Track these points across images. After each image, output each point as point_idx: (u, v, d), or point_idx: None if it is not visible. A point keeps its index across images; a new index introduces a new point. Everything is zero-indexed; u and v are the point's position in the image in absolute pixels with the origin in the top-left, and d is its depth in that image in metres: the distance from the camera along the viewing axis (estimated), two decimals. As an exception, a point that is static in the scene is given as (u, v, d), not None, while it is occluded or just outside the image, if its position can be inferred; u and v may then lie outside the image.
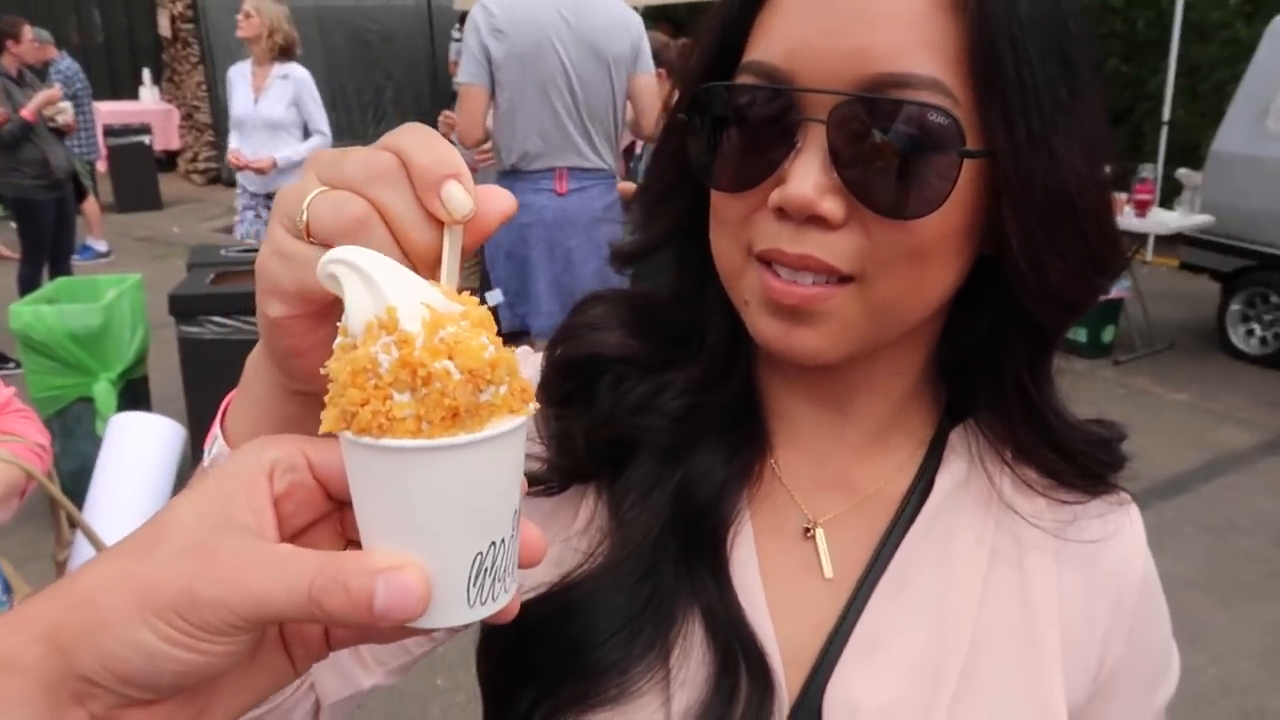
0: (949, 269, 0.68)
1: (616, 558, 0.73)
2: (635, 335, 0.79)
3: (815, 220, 0.64)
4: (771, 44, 0.66)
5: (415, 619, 0.44)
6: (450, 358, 0.43)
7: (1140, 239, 6.89)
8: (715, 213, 0.72)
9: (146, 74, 13.56)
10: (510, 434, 0.45)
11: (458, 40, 6.01)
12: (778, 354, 0.70)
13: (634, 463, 0.76)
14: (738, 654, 0.71)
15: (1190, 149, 8.26)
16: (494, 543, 0.46)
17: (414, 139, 0.48)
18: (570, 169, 4.04)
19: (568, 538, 0.77)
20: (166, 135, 13.22)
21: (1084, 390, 0.80)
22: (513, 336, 4.14)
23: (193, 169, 13.76)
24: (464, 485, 0.44)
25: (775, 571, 0.76)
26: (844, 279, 0.66)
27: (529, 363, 0.84)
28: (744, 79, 0.68)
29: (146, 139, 11.57)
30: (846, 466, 0.79)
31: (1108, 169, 0.69)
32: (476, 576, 0.46)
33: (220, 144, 13.35)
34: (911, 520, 0.77)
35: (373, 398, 0.43)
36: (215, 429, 0.63)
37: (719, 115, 0.69)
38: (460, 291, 0.48)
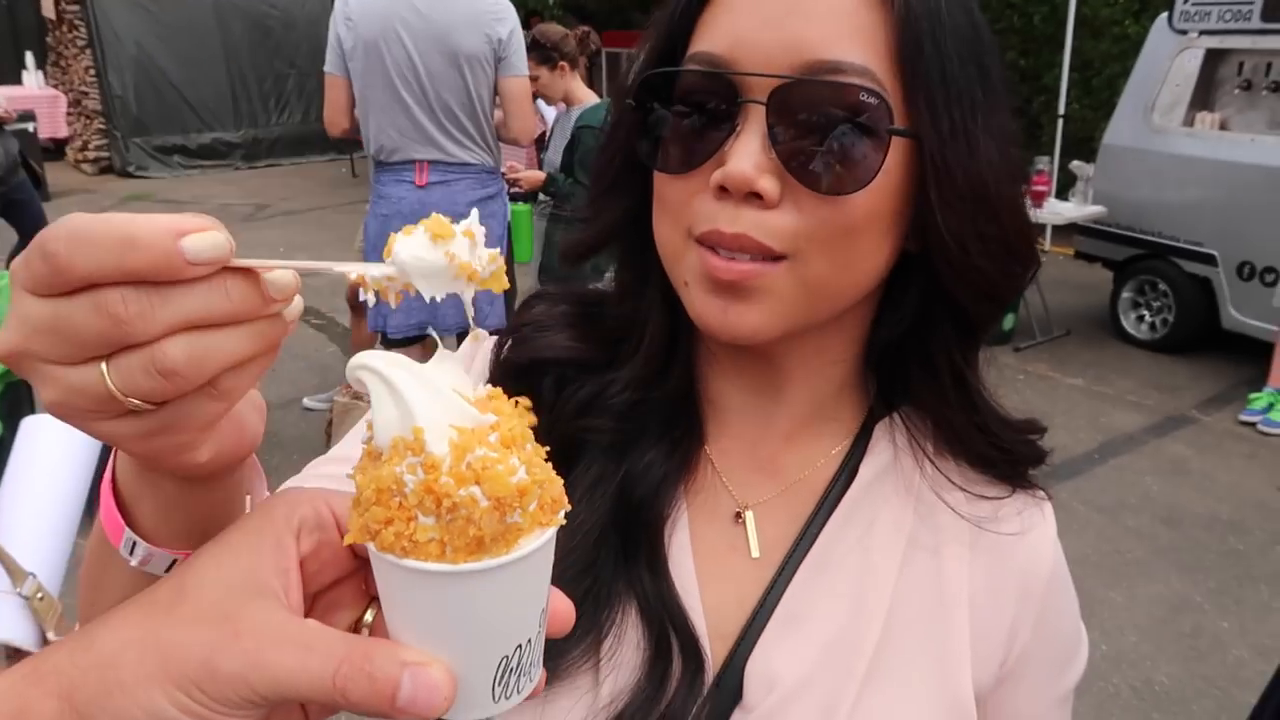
0: (877, 250, 0.73)
1: (560, 555, 0.74)
2: (579, 335, 0.82)
3: (752, 198, 0.68)
4: (715, 36, 0.71)
5: (438, 715, 0.44)
6: (478, 483, 0.42)
7: (1038, 229, 7.12)
8: (659, 197, 0.75)
9: (30, 58, 12.87)
10: (538, 552, 0.45)
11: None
12: (715, 332, 0.73)
13: (580, 462, 0.79)
14: (670, 639, 0.75)
15: (1084, 141, 8.57)
16: (519, 645, 0.46)
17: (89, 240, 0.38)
18: (431, 162, 3.97)
19: None
20: (53, 123, 12.60)
21: (985, 377, 0.83)
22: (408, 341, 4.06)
23: (83, 158, 13.17)
24: (489, 604, 0.44)
25: (706, 552, 0.80)
26: (778, 258, 0.70)
27: (480, 351, 0.87)
28: (690, 67, 0.72)
29: (31, 126, 11.01)
30: (776, 453, 0.84)
31: (1018, 167, 0.75)
32: (502, 676, 0.46)
33: (112, 132, 12.83)
34: (834, 505, 0.82)
35: (396, 518, 0.43)
36: (124, 529, 0.52)
37: (665, 101, 0.73)
38: None
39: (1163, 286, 6.53)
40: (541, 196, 4.69)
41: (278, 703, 0.42)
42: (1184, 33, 6.42)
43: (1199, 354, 6.45)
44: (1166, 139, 6.38)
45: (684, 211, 0.72)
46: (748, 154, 0.68)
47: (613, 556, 0.77)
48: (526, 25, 4.37)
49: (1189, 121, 6.46)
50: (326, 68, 3.97)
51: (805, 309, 0.72)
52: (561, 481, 0.47)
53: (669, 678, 0.74)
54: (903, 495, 0.82)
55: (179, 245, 0.38)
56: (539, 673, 0.49)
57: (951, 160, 0.69)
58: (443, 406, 0.44)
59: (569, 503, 0.71)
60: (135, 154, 13.01)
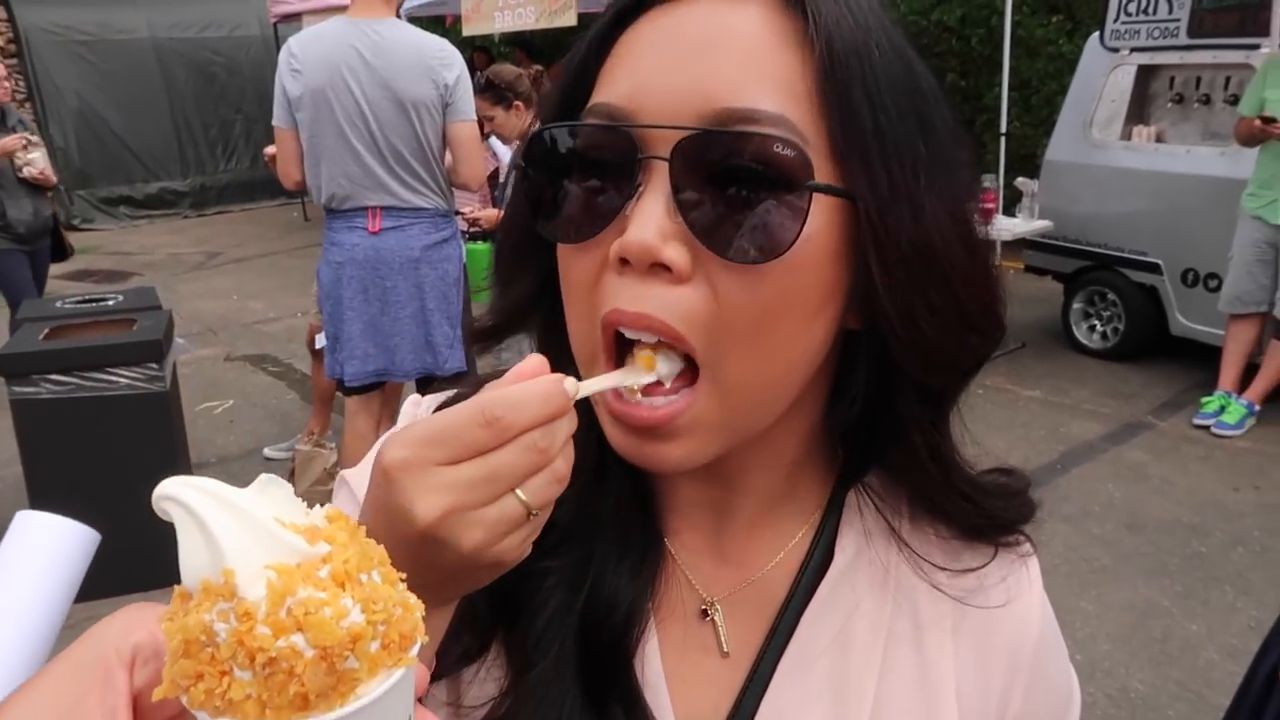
0: (805, 331, 0.64)
1: (523, 705, 0.68)
2: None
3: (659, 270, 0.60)
4: (615, 85, 0.64)
5: None
6: (300, 630, 0.36)
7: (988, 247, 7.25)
8: (563, 276, 0.67)
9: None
10: (381, 698, 0.39)
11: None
12: (646, 468, 0.67)
13: (531, 598, 0.70)
14: None
15: (1027, 158, 8.76)
16: None
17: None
18: (384, 208, 3.94)
19: (467, 680, 0.71)
20: None
21: (954, 432, 0.77)
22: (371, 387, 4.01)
23: (25, 213, 12.91)
24: None
25: (675, 655, 0.73)
26: (691, 377, 0.62)
27: (420, 412, 0.79)
28: (586, 121, 0.64)
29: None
30: (740, 542, 0.77)
31: (980, 229, 0.67)
32: None
33: (59, 185, 12.59)
34: (806, 597, 0.75)
35: (207, 673, 0.37)
36: None
37: (559, 160, 0.65)
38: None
39: (1111, 296, 6.67)
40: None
41: None
42: (1115, 50, 6.61)
43: (1150, 361, 6.59)
44: (1106, 153, 6.55)
45: (592, 295, 0.63)
46: (650, 219, 0.59)
47: (581, 702, 0.68)
48: (472, 63, 4.38)
49: (1126, 135, 6.64)
50: (275, 121, 3.95)
51: (737, 428, 0.65)
52: (418, 611, 0.41)
53: None
54: (879, 585, 0.76)
55: (567, 397, 0.54)
56: None
57: (892, 223, 0.60)
58: (260, 542, 0.38)
59: (528, 645, 0.68)
60: (80, 206, 12.79)
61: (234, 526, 0.38)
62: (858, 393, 0.71)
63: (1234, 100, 6.13)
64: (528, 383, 0.53)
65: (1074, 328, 6.97)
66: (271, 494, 0.41)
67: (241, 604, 0.37)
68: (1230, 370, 5.68)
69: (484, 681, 0.70)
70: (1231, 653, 3.66)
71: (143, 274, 10.21)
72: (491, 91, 4.60)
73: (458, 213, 4.47)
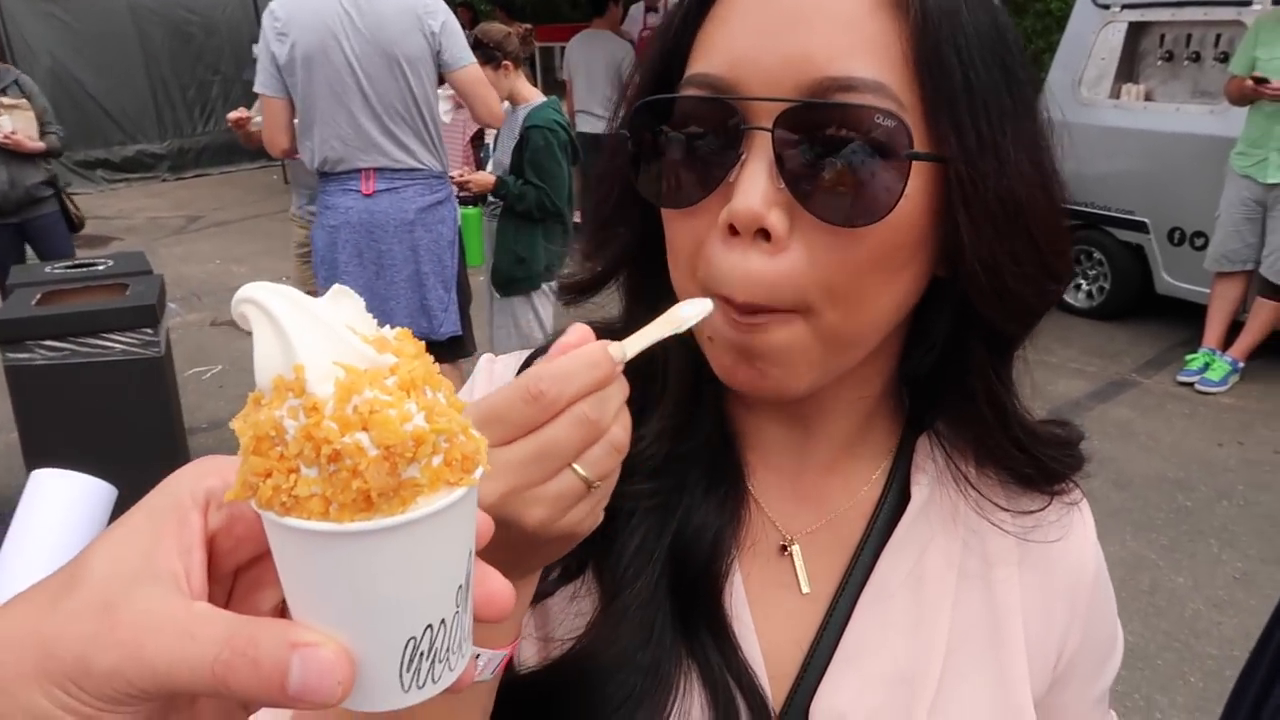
0: (899, 284, 0.67)
1: (616, 627, 0.72)
2: None
3: (761, 235, 0.62)
4: (714, 55, 0.65)
5: (336, 703, 0.39)
6: (365, 429, 0.37)
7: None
8: (670, 239, 0.70)
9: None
10: (441, 514, 0.39)
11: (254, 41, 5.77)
12: (744, 391, 0.70)
13: (622, 529, 0.73)
14: (739, 707, 0.71)
15: (1014, 117, 8.75)
16: (430, 625, 0.41)
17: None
18: (378, 169, 3.89)
19: (559, 613, 0.75)
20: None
21: (1019, 386, 0.81)
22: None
23: None
24: (385, 573, 0.39)
25: (757, 591, 0.76)
26: (792, 311, 0.65)
27: (496, 371, 0.81)
28: (687, 92, 0.66)
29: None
30: (817, 482, 0.80)
31: (1056, 176, 0.69)
32: (411, 660, 0.41)
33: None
34: (884, 534, 0.79)
35: (276, 470, 0.38)
36: None
37: (663, 130, 0.67)
38: None
39: (1098, 255, 6.72)
40: (490, 199, 4.66)
41: (164, 696, 0.38)
42: (1106, 7, 6.59)
43: (1136, 319, 6.65)
44: (1094, 111, 6.55)
45: (695, 259, 0.67)
46: (755, 187, 0.62)
47: (671, 624, 0.72)
48: (464, 24, 4.32)
49: (1115, 94, 6.63)
50: (259, 87, 3.86)
51: (832, 361, 0.68)
52: (484, 441, 0.42)
53: None
54: (949, 525, 0.80)
55: (613, 361, 0.53)
56: (463, 661, 0.43)
57: (980, 179, 0.62)
58: (331, 343, 0.39)
59: (619, 570, 0.72)
60: (56, 170, 12.58)
61: (308, 328, 0.39)
62: (937, 339, 0.75)
63: (1224, 58, 6.13)
64: (572, 353, 0.53)
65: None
66: (344, 305, 0.41)
67: (310, 399, 0.37)
68: (1215, 328, 5.75)
69: (574, 615, 0.74)
70: (1217, 604, 3.75)
71: (123, 238, 10.08)
72: (480, 50, 4.51)
73: (448, 176, 4.43)
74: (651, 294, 0.75)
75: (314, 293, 0.48)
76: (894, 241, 0.64)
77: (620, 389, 0.54)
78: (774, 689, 0.74)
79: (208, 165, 13.63)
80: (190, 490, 0.43)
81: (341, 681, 0.38)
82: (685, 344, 0.72)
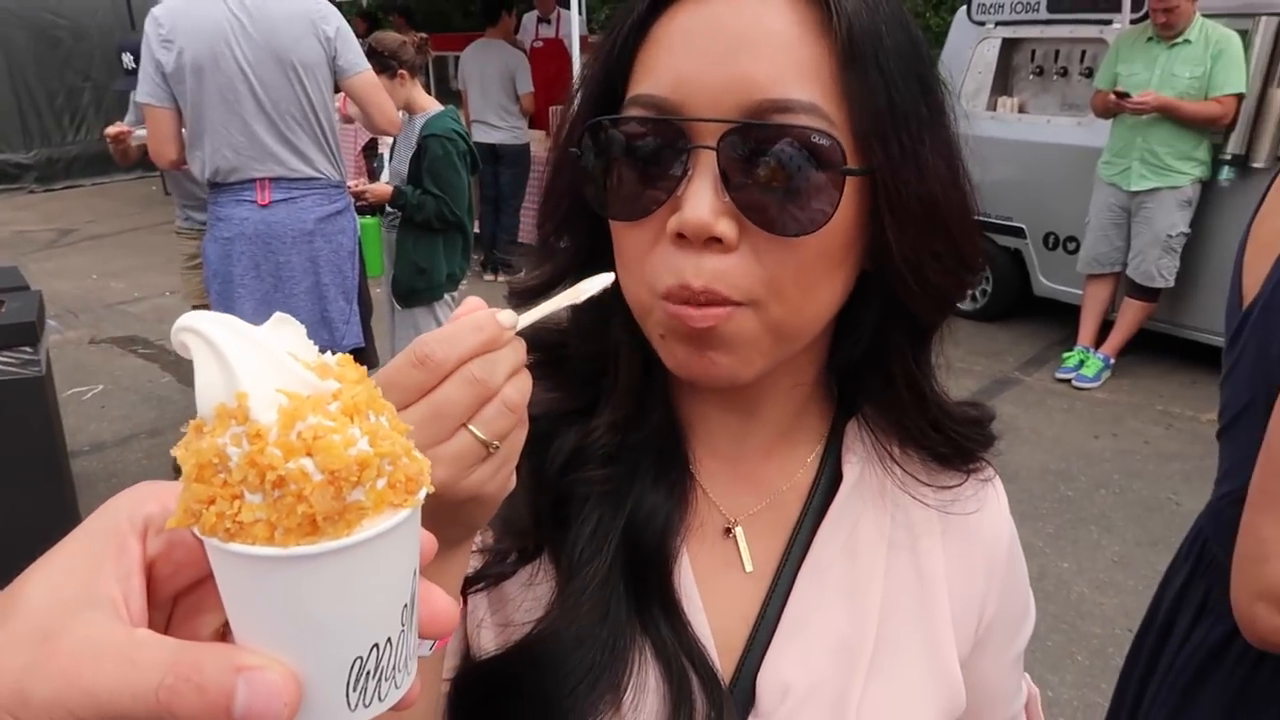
0: (835, 282, 0.73)
1: (574, 607, 0.75)
2: (554, 385, 0.80)
3: (711, 243, 0.67)
4: (658, 77, 0.69)
5: None
6: (309, 454, 0.38)
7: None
8: (618, 248, 0.74)
9: None
10: (386, 535, 0.40)
11: (122, 49, 5.54)
12: (696, 379, 0.74)
13: (577, 515, 0.78)
14: (691, 679, 0.75)
15: (897, 128, 9.10)
16: (376, 645, 0.41)
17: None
18: (274, 179, 3.77)
19: (517, 597, 0.78)
20: None
21: (935, 369, 0.86)
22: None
23: None
24: (330, 595, 0.39)
25: (704, 571, 0.81)
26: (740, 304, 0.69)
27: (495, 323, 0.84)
28: (633, 112, 0.70)
29: None
30: (756, 467, 0.86)
31: (966, 174, 0.75)
32: (357, 680, 0.41)
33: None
34: (820, 513, 0.85)
35: (219, 497, 0.38)
36: None
37: (613, 148, 0.71)
38: None
39: (981, 260, 7.01)
40: (388, 209, 4.59)
41: None
42: (982, 24, 6.92)
43: (1016, 320, 6.99)
44: (974, 123, 6.63)
45: (645, 264, 0.71)
46: (703, 199, 0.66)
47: (624, 603, 0.76)
48: (354, 29, 4.24)
49: (992, 106, 6.97)
50: (143, 97, 3.69)
51: (777, 350, 0.73)
52: (427, 463, 0.43)
53: (695, 717, 0.74)
54: (878, 501, 0.86)
55: (498, 324, 0.54)
56: (409, 679, 0.44)
57: (903, 185, 0.69)
58: (273, 370, 0.39)
59: (575, 554, 0.75)
60: (-90, 182, 11.78)
61: (249, 354, 0.39)
62: (865, 331, 0.81)
63: (1089, 73, 6.52)
64: (459, 320, 0.54)
65: (948, 292, 7.30)
66: (285, 332, 0.42)
67: (253, 426, 0.38)
68: (1088, 327, 6.09)
69: (531, 599, 0.77)
70: (1099, 586, 3.97)
71: (-13, 254, 9.51)
72: (375, 60, 4.43)
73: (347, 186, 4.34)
74: (596, 297, 0.77)
75: (207, 306, 0.47)
76: (830, 245, 0.69)
77: (513, 353, 0.55)
78: (723, 661, 0.78)
79: (79, 176, 12.97)
80: (128, 516, 0.43)
81: (288, 704, 0.38)
82: (636, 343, 0.78)
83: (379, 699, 0.42)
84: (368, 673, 0.41)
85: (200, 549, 0.42)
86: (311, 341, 0.43)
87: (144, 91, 3.67)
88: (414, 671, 0.44)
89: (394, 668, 0.42)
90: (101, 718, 0.37)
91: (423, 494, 0.42)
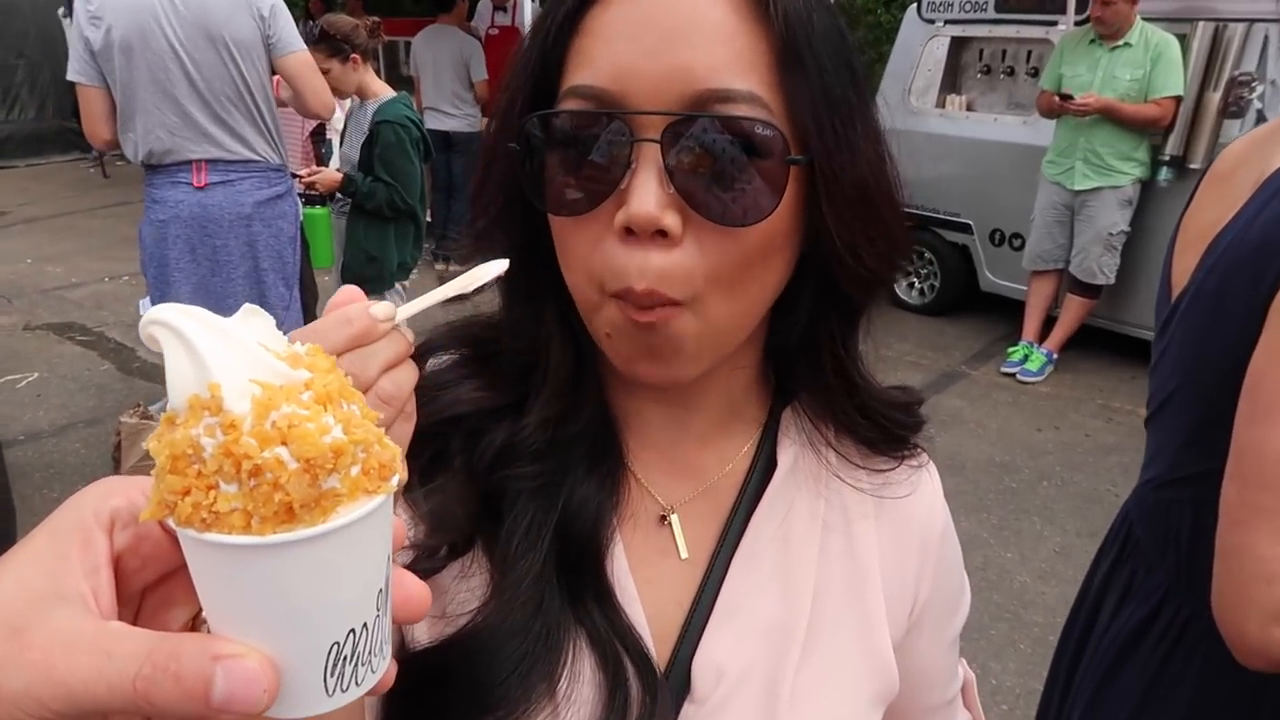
0: (776, 269, 0.74)
1: (508, 600, 0.74)
2: (484, 383, 0.79)
3: (658, 236, 0.66)
4: (595, 68, 0.68)
5: (262, 711, 0.39)
6: (284, 443, 0.38)
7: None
8: (562, 245, 0.73)
9: None
10: (361, 521, 0.40)
11: (65, 17, 5.39)
12: (644, 378, 0.74)
13: (510, 510, 0.77)
14: (625, 666, 0.75)
15: (848, 123, 9.18)
16: (353, 630, 0.42)
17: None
18: (210, 161, 3.69)
19: (451, 590, 0.77)
20: None
21: (864, 354, 0.88)
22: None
23: None
24: (308, 581, 0.40)
25: (639, 559, 0.81)
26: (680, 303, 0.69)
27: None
28: (571, 103, 0.69)
29: None
30: (693, 456, 0.86)
31: (892, 159, 0.76)
32: (334, 665, 0.41)
33: None
34: (754, 500, 0.85)
35: (194, 487, 0.38)
36: None
37: (552, 141, 0.70)
38: None
39: (929, 255, 7.13)
40: (339, 196, 4.51)
41: (78, 717, 0.38)
42: (931, 22, 7.01)
43: (963, 315, 7.10)
44: (923, 120, 6.95)
45: (591, 261, 0.70)
46: (648, 192, 0.65)
47: (558, 595, 0.76)
48: (307, 10, 4.15)
49: (941, 104, 7.06)
50: (73, 75, 3.60)
51: (722, 346, 0.74)
52: (397, 449, 0.43)
53: (630, 703, 0.75)
54: (813, 485, 0.87)
55: (370, 316, 0.52)
56: (384, 663, 0.44)
57: (839, 171, 0.69)
58: (245, 361, 0.40)
59: (509, 547, 0.75)
60: None
61: (220, 346, 0.40)
62: (801, 314, 0.81)
63: (1035, 73, 6.64)
64: (330, 314, 0.53)
65: (895, 285, 7.41)
66: (254, 324, 0.42)
67: (227, 416, 0.38)
68: (1032, 322, 6.22)
69: (465, 591, 0.76)
70: (1041, 575, 4.06)
71: (-86, 236, 9.16)
72: (327, 43, 4.35)
73: (294, 175, 4.26)
74: (528, 291, 0.79)
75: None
76: (772, 233, 0.70)
77: (389, 345, 0.54)
78: (658, 647, 0.79)
79: (12, 157, 12.53)
80: (94, 510, 0.42)
81: (267, 690, 0.39)
82: (564, 338, 0.79)
83: (356, 684, 0.42)
84: (345, 658, 0.41)
85: (167, 542, 0.43)
86: (281, 332, 0.43)
87: (74, 70, 3.58)
88: (389, 656, 0.45)
89: (370, 652, 0.43)
90: (74, 709, 0.37)
91: (395, 480, 0.42)
